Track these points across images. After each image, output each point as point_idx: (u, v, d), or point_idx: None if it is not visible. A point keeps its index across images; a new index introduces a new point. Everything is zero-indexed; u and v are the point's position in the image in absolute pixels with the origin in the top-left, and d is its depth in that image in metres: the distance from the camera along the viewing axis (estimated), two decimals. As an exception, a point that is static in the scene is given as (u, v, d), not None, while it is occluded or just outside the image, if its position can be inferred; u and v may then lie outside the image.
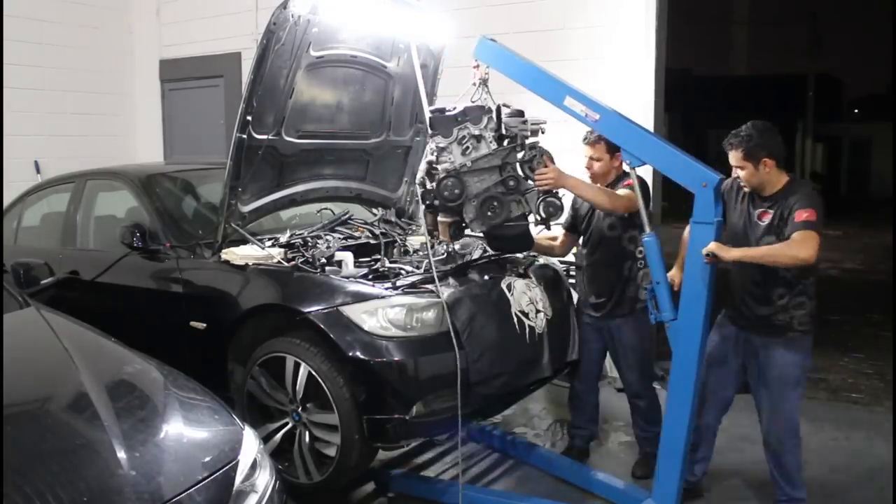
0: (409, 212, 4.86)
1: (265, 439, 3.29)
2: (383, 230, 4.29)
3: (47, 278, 3.84)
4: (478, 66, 3.39)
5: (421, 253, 4.10)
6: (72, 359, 2.47)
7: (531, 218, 3.36)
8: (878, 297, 7.78)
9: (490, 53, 3.33)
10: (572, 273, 4.80)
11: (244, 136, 3.63)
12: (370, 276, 3.49)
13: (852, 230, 14.70)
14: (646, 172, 3.91)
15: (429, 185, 3.36)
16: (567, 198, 3.45)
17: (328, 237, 4.03)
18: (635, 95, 4.94)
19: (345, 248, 3.83)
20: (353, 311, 3.20)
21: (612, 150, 3.62)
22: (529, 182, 3.34)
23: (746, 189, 3.16)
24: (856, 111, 28.12)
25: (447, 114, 3.32)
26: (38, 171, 6.74)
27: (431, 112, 3.42)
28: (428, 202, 3.36)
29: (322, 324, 3.21)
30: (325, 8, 3.64)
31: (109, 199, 4.61)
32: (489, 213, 3.27)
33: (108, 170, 4.82)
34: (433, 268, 3.39)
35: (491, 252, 4.07)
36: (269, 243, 3.79)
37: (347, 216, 4.38)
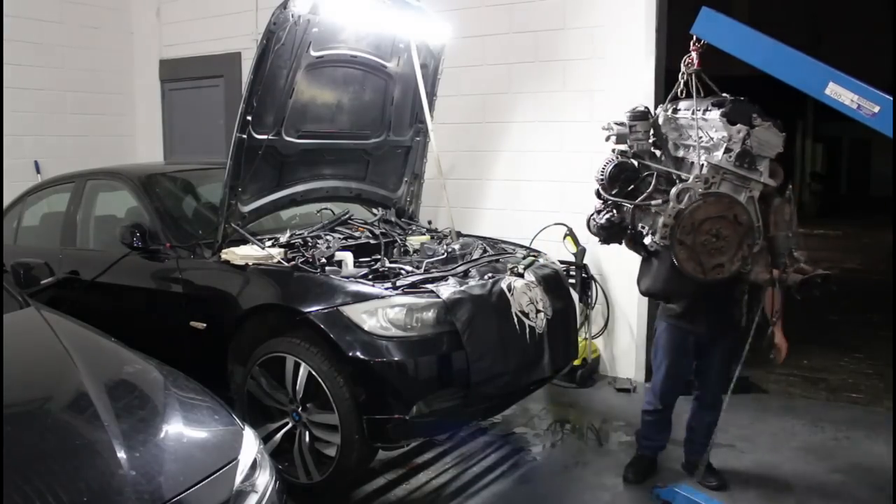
0: (409, 212, 4.86)
1: (265, 439, 3.29)
2: (383, 230, 4.29)
3: (47, 278, 3.84)
4: (698, 48, 2.86)
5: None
6: (72, 359, 2.47)
7: None
8: (878, 297, 7.77)
9: (716, 28, 2.74)
10: (572, 273, 4.82)
11: (244, 136, 3.64)
12: (370, 276, 3.49)
13: (852, 230, 14.68)
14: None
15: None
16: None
17: (328, 237, 4.03)
18: (635, 95, 4.93)
19: (345, 248, 3.83)
20: (353, 311, 3.20)
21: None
22: None
23: None
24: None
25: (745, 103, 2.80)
26: (38, 171, 6.74)
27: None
28: None
29: (322, 324, 3.21)
30: (325, 8, 3.64)
31: (109, 199, 4.60)
32: None
33: (108, 170, 4.82)
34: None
35: (491, 252, 4.08)
36: (269, 243, 3.79)
37: (347, 216, 4.38)
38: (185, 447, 2.16)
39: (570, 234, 4.93)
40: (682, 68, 2.93)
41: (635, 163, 3.02)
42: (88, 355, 2.55)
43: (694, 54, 2.86)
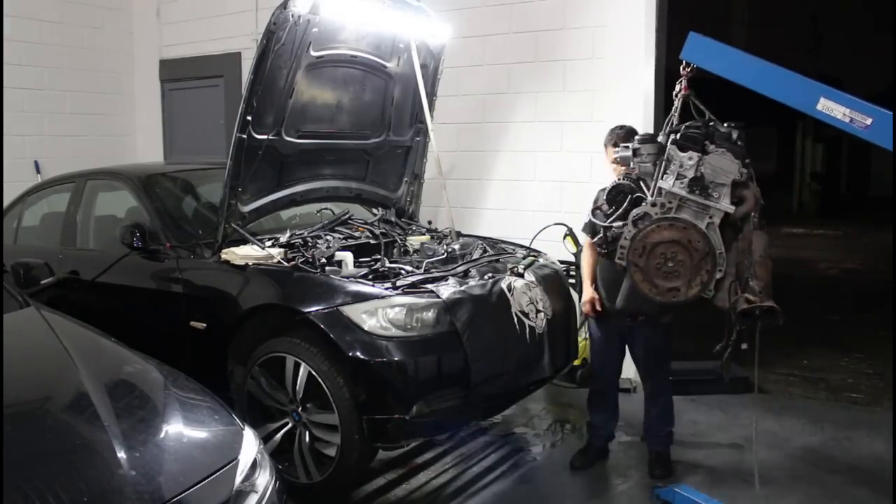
0: (409, 212, 4.86)
1: (265, 439, 3.29)
2: (383, 230, 4.29)
3: (47, 278, 3.84)
4: (686, 72, 2.89)
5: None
6: (72, 359, 2.47)
7: None
8: (878, 297, 7.77)
9: (705, 53, 2.77)
10: (572, 273, 4.81)
11: (244, 136, 3.64)
12: (370, 276, 3.49)
13: (852, 230, 14.68)
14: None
15: None
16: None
17: (328, 237, 4.03)
18: (635, 95, 4.94)
19: (345, 248, 3.83)
20: (353, 311, 3.20)
21: None
22: None
23: None
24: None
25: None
26: (38, 171, 6.74)
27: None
28: None
29: (322, 324, 3.21)
30: (325, 8, 3.64)
31: (109, 199, 4.60)
32: None
33: (108, 170, 4.82)
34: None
35: (491, 252, 4.08)
36: (269, 243, 3.79)
37: (347, 216, 4.38)
38: (185, 447, 2.16)
39: (570, 234, 4.93)
40: (676, 92, 2.98)
41: (633, 185, 3.07)
42: (88, 355, 2.55)
43: (684, 79, 2.89)
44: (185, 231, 4.04)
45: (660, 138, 2.99)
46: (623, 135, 3.49)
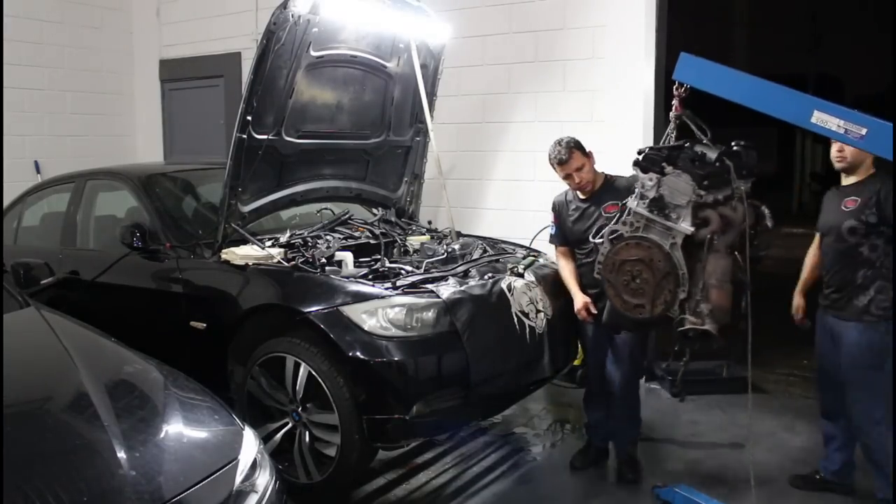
0: (409, 212, 4.86)
1: (265, 439, 3.29)
2: (383, 230, 4.29)
3: (47, 278, 3.84)
4: (679, 92, 2.90)
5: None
6: (72, 359, 2.47)
7: None
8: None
9: (697, 72, 2.77)
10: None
11: (244, 136, 3.64)
12: (370, 276, 3.49)
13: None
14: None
15: None
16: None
17: (328, 237, 4.03)
18: (635, 95, 4.94)
19: (345, 248, 3.83)
20: (353, 311, 3.20)
21: (585, 150, 3.53)
22: None
23: None
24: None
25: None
26: (38, 171, 6.74)
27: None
28: None
29: (322, 324, 3.21)
30: (325, 8, 3.64)
31: (109, 199, 4.60)
32: None
33: (108, 170, 4.82)
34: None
35: (491, 252, 4.08)
36: (269, 243, 3.79)
37: (347, 216, 4.37)
38: (185, 447, 2.16)
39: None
40: (671, 114, 3.01)
41: None
42: (88, 355, 2.55)
43: (676, 100, 2.91)
44: (185, 231, 4.04)
45: None
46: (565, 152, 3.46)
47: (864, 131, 2.43)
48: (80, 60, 7.14)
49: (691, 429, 4.28)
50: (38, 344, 2.68)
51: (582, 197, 3.56)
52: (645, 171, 2.84)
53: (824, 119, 2.47)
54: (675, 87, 2.89)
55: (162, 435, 2.14)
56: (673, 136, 2.95)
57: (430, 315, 3.24)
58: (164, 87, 7.61)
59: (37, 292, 3.66)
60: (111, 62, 7.44)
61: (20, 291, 3.11)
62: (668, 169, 2.79)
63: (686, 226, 2.74)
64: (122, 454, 1.96)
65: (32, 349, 2.66)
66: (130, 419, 2.18)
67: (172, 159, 7.28)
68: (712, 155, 2.77)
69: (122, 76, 7.56)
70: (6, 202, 5.14)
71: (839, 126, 2.45)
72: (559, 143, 3.50)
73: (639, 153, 2.90)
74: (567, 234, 3.63)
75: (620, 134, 4.98)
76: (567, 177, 3.51)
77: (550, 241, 3.77)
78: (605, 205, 3.46)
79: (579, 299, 3.56)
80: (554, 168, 3.54)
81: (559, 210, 3.65)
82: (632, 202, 2.86)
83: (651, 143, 4.91)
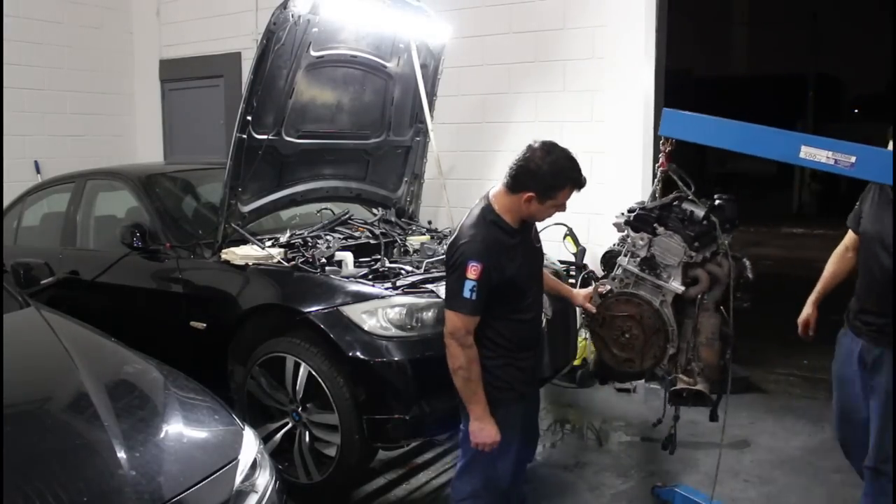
0: (409, 212, 4.86)
1: (265, 439, 3.29)
2: (383, 230, 4.29)
3: (47, 278, 3.84)
4: (665, 148, 2.87)
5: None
6: (72, 359, 2.47)
7: None
8: (878, 297, 7.76)
9: (681, 126, 2.76)
10: (572, 273, 4.82)
11: (244, 136, 3.64)
12: (370, 276, 3.49)
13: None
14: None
15: None
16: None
17: (328, 237, 4.03)
18: (635, 95, 4.94)
19: (345, 248, 3.83)
20: (353, 311, 3.20)
21: None
22: None
23: None
24: (856, 111, 28.13)
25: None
26: (38, 171, 6.74)
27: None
28: None
29: (322, 324, 3.21)
30: (325, 8, 3.64)
31: (109, 199, 4.61)
32: None
33: (108, 170, 4.82)
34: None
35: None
36: (269, 243, 3.79)
37: (347, 216, 4.38)
38: (185, 447, 2.16)
39: (570, 234, 4.93)
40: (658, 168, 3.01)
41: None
42: (88, 355, 2.55)
43: (662, 156, 2.92)
44: (185, 231, 4.04)
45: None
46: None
47: (853, 160, 2.41)
48: (80, 60, 7.14)
49: (691, 429, 4.27)
50: (38, 344, 2.68)
51: (515, 227, 2.55)
52: (636, 230, 2.87)
53: (812, 153, 2.47)
54: (661, 143, 2.91)
55: (162, 435, 2.14)
56: (658, 189, 2.99)
57: (430, 315, 3.24)
58: (164, 87, 7.61)
59: (37, 292, 3.66)
60: (111, 62, 7.44)
61: (20, 291, 3.11)
62: (660, 230, 2.83)
63: (677, 285, 2.79)
64: (122, 454, 1.96)
65: (32, 349, 2.66)
66: (130, 419, 2.18)
67: (172, 159, 7.28)
68: (700, 213, 2.81)
69: (122, 76, 7.57)
70: (6, 202, 5.15)
71: (828, 157, 2.44)
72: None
73: (629, 212, 2.92)
74: (511, 284, 2.49)
75: (620, 134, 4.99)
76: (562, 205, 2.58)
77: (459, 309, 2.41)
78: (531, 233, 2.69)
79: (488, 433, 2.49)
80: (565, 190, 2.53)
81: (497, 256, 2.44)
82: (622, 259, 2.89)
83: (651, 143, 4.92)
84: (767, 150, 2.59)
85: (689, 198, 2.88)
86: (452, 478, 2.73)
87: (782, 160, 2.57)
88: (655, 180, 3.00)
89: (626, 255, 2.89)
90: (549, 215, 2.59)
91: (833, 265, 3.06)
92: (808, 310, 3.16)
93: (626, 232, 2.98)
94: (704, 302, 2.81)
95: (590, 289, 2.95)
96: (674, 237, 2.81)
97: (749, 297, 2.89)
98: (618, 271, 2.90)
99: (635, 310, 2.82)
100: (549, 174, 2.46)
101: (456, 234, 2.57)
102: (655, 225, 2.84)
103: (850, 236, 2.97)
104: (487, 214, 2.52)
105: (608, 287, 2.88)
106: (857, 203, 2.84)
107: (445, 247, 4.07)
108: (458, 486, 2.67)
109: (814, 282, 3.24)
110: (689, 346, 2.82)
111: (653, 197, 3.02)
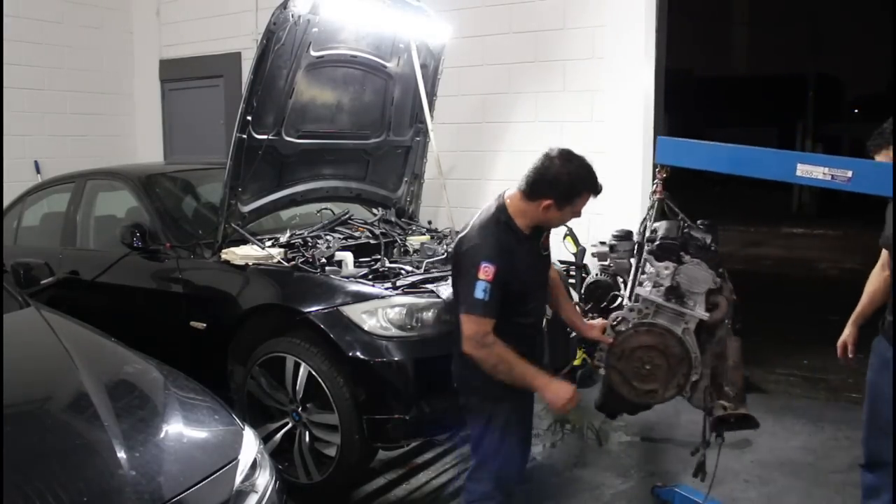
0: (409, 212, 4.86)
1: (265, 439, 3.29)
2: (383, 230, 4.29)
3: (47, 278, 3.84)
4: (661, 175, 2.86)
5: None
6: (72, 359, 2.47)
7: None
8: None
9: (676, 153, 2.76)
10: (572, 273, 4.82)
11: (244, 136, 3.64)
12: (370, 276, 3.49)
13: (852, 230, 14.69)
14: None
15: None
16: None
17: (328, 237, 4.03)
18: (635, 95, 4.94)
19: (345, 248, 3.83)
20: (353, 311, 3.20)
21: None
22: None
23: None
24: (856, 111, 28.14)
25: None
26: (38, 171, 6.74)
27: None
28: None
29: (322, 324, 3.21)
30: (325, 8, 3.64)
31: (109, 199, 4.61)
32: None
33: (108, 170, 4.82)
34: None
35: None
36: (269, 243, 3.79)
37: (347, 216, 4.38)
38: (185, 447, 2.16)
39: (570, 234, 4.93)
40: (652, 195, 3.00)
41: (609, 281, 3.11)
42: (88, 355, 2.55)
43: (659, 183, 2.91)
44: (185, 231, 4.04)
45: (635, 237, 3.03)
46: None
47: (849, 174, 2.41)
48: (80, 60, 7.15)
49: (691, 429, 4.27)
50: (38, 344, 2.68)
51: (526, 232, 2.55)
52: (660, 259, 2.81)
53: (809, 170, 2.47)
54: (657, 171, 2.89)
55: (162, 435, 2.14)
56: (652, 216, 2.98)
57: (430, 315, 3.24)
58: (164, 87, 7.61)
59: (37, 292, 3.66)
60: (111, 62, 7.45)
61: (20, 291, 3.11)
62: (686, 258, 2.79)
63: (701, 311, 2.75)
64: (122, 454, 1.96)
65: (32, 349, 2.66)
66: (130, 419, 2.18)
67: (172, 159, 7.28)
68: (707, 238, 2.82)
69: (122, 76, 7.57)
70: (6, 202, 5.15)
71: (825, 173, 2.45)
72: None
73: (648, 241, 2.86)
74: (516, 288, 2.48)
75: (620, 134, 4.99)
76: (579, 212, 2.61)
77: (473, 311, 2.40)
78: (542, 236, 2.66)
79: (564, 390, 2.53)
80: (583, 197, 2.56)
81: (508, 256, 2.44)
82: (641, 289, 2.79)
83: (650, 143, 4.92)
84: (764, 171, 2.59)
85: (688, 224, 2.88)
86: (465, 479, 2.73)
87: (779, 179, 2.57)
88: (649, 208, 2.99)
89: (646, 284, 2.81)
90: (566, 222, 2.63)
91: (871, 285, 3.05)
92: (847, 331, 3.12)
93: (608, 261, 2.97)
94: (728, 325, 2.81)
95: (600, 321, 2.85)
96: (700, 265, 2.78)
97: (740, 319, 2.91)
98: (636, 302, 2.79)
99: (658, 340, 2.76)
100: (568, 183, 2.49)
101: (465, 233, 2.54)
102: (682, 253, 2.80)
103: (884, 255, 2.98)
104: (501, 216, 2.52)
105: (622, 318, 2.79)
106: (885, 222, 2.88)
107: (450, 244, 4.10)
108: (470, 487, 2.68)
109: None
110: (721, 372, 2.81)
111: (646, 222, 3.01)
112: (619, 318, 2.80)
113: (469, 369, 2.53)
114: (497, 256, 2.40)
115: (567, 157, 2.56)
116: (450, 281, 3.43)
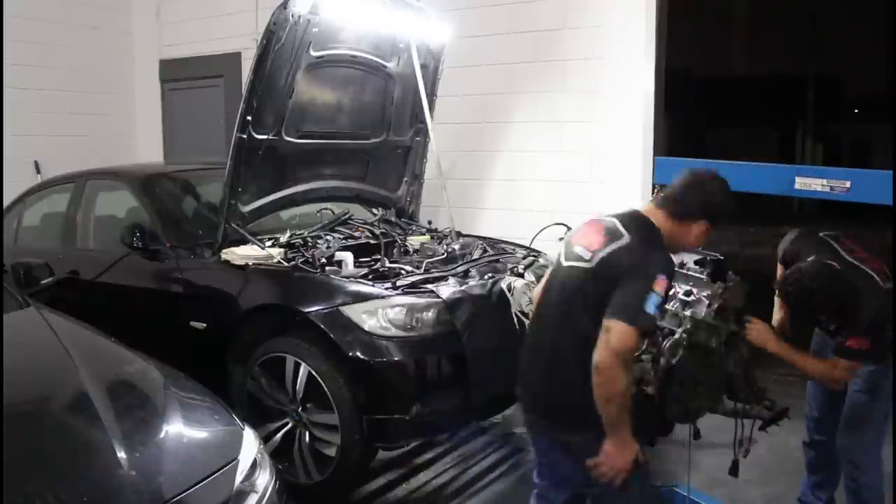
0: (409, 212, 4.86)
1: (265, 439, 3.29)
2: (383, 230, 4.29)
3: (47, 278, 3.83)
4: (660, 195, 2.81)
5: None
6: (72, 359, 2.47)
7: None
8: (878, 297, 7.75)
9: (675, 172, 2.57)
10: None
11: (244, 136, 3.64)
12: (370, 276, 3.49)
13: (852, 231, 14.69)
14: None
15: None
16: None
17: (328, 237, 4.03)
18: (635, 95, 4.94)
19: (345, 248, 3.83)
20: (353, 311, 3.20)
21: None
22: None
23: None
24: (856, 111, 28.17)
25: None
26: (38, 171, 6.74)
27: None
28: None
29: (322, 324, 3.21)
30: (325, 8, 3.64)
31: (109, 199, 4.61)
32: None
33: (108, 170, 4.82)
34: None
35: (491, 252, 4.08)
36: (269, 243, 3.79)
37: (347, 216, 4.38)
38: (185, 447, 2.16)
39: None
40: None
41: None
42: (88, 355, 2.55)
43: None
44: (185, 231, 4.04)
45: None
46: None
47: (847, 184, 2.42)
48: (80, 60, 7.14)
49: (691, 428, 4.27)
50: (38, 344, 2.68)
51: None
52: (714, 280, 2.80)
53: (807, 183, 2.49)
54: (655, 192, 2.89)
55: (162, 435, 2.14)
56: None
57: (430, 315, 3.24)
58: (164, 87, 7.61)
59: (37, 292, 3.66)
60: (111, 62, 7.44)
61: (20, 291, 3.11)
62: (731, 276, 2.80)
63: (734, 325, 2.79)
64: (122, 454, 1.96)
65: (32, 349, 2.66)
66: (130, 419, 2.18)
67: (172, 159, 7.28)
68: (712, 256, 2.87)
69: (122, 76, 7.57)
70: (6, 202, 5.14)
71: (823, 185, 2.46)
72: None
73: (697, 262, 2.80)
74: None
75: (620, 134, 4.99)
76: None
77: (636, 323, 2.09)
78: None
79: (631, 451, 2.20)
80: (713, 221, 2.35)
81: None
82: (695, 311, 2.72)
83: (650, 143, 4.92)
84: (762, 186, 2.61)
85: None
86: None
87: (778, 193, 2.58)
88: None
89: (698, 306, 2.75)
90: (693, 244, 2.42)
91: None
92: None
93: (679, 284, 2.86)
94: (744, 333, 2.86)
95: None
96: (738, 283, 2.80)
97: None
98: (688, 324, 2.70)
99: (708, 358, 2.78)
100: (724, 203, 2.33)
101: (628, 240, 2.22)
102: (729, 272, 2.81)
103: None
104: (657, 232, 2.28)
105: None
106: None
107: (446, 246, 4.08)
108: None
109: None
110: (753, 378, 2.92)
111: None
112: (675, 344, 2.70)
113: (591, 397, 2.11)
114: (669, 272, 2.19)
115: (714, 175, 2.37)
116: (450, 280, 3.44)
